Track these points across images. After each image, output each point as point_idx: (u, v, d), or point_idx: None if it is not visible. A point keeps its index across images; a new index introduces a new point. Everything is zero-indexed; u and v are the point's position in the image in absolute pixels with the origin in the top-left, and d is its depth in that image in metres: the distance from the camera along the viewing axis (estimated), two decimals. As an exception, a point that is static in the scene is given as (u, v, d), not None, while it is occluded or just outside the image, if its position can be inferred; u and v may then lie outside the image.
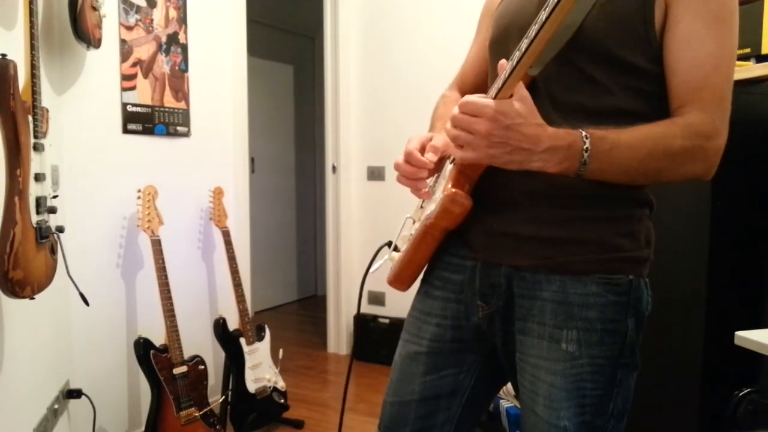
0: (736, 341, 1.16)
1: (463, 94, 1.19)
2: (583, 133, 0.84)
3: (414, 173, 1.01)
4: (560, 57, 0.88)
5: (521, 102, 0.81)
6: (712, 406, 1.66)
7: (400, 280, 1.10)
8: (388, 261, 1.14)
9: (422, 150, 1.02)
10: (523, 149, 0.82)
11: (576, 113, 0.89)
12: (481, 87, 1.14)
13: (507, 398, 2.31)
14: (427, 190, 1.04)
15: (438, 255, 1.07)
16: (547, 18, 0.75)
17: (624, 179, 0.89)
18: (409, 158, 1.01)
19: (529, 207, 0.94)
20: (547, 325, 0.93)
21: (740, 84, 0.93)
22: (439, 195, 0.99)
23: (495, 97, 0.83)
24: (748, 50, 1.70)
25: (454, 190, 0.95)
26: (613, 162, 0.85)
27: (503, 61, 0.84)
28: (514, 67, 0.81)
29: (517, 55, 0.81)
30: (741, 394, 1.51)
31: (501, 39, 1.02)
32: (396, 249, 1.13)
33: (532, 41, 0.78)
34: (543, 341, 0.93)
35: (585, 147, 0.83)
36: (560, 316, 0.92)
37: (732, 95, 0.91)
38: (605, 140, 0.84)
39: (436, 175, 1.06)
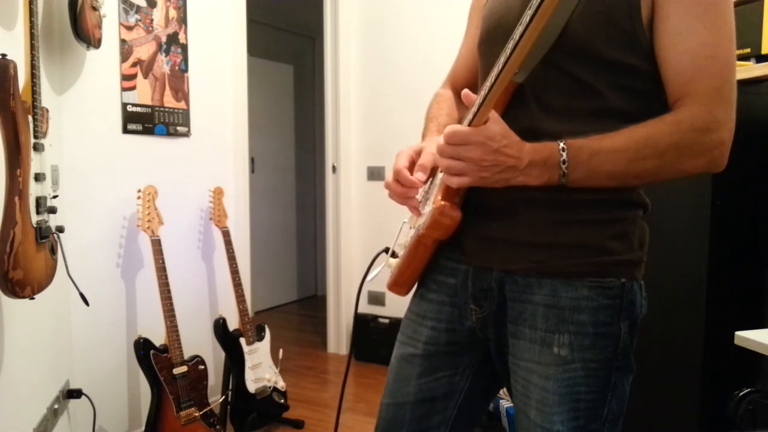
0: (736, 341, 1.16)
1: (455, 91, 1.19)
2: (561, 144, 0.84)
3: (404, 193, 1.01)
4: (546, 60, 0.87)
5: (497, 124, 0.84)
6: (712, 406, 1.66)
7: (399, 285, 1.11)
8: (386, 267, 1.15)
9: (411, 165, 1.02)
10: (509, 167, 0.85)
11: (566, 117, 0.88)
12: (473, 83, 1.13)
13: (507, 398, 2.31)
14: (419, 200, 1.03)
15: (434, 258, 1.07)
16: (531, 20, 0.74)
17: (613, 183, 0.87)
18: (398, 177, 1.01)
19: (520, 212, 0.93)
20: (538, 329, 0.92)
21: (740, 84, 0.91)
22: (430, 206, 0.99)
23: (481, 105, 0.84)
24: (748, 50, 1.70)
25: (443, 202, 0.95)
26: (596, 169, 0.85)
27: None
28: (500, 72, 0.81)
29: (502, 60, 0.81)
30: (741, 394, 1.52)
31: (488, 39, 1.01)
32: (394, 255, 1.14)
33: (516, 45, 0.77)
34: (535, 345, 0.92)
35: (562, 159, 0.84)
36: (552, 320, 0.91)
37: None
38: (583, 150, 0.84)
39: (430, 179, 1.05)
